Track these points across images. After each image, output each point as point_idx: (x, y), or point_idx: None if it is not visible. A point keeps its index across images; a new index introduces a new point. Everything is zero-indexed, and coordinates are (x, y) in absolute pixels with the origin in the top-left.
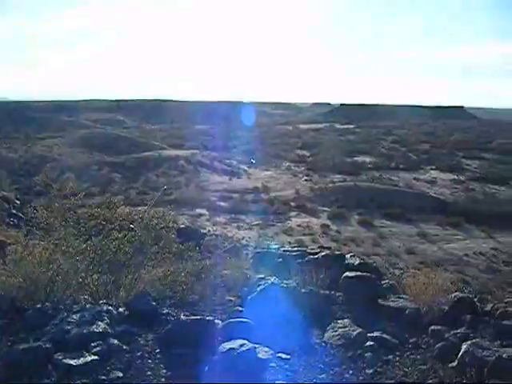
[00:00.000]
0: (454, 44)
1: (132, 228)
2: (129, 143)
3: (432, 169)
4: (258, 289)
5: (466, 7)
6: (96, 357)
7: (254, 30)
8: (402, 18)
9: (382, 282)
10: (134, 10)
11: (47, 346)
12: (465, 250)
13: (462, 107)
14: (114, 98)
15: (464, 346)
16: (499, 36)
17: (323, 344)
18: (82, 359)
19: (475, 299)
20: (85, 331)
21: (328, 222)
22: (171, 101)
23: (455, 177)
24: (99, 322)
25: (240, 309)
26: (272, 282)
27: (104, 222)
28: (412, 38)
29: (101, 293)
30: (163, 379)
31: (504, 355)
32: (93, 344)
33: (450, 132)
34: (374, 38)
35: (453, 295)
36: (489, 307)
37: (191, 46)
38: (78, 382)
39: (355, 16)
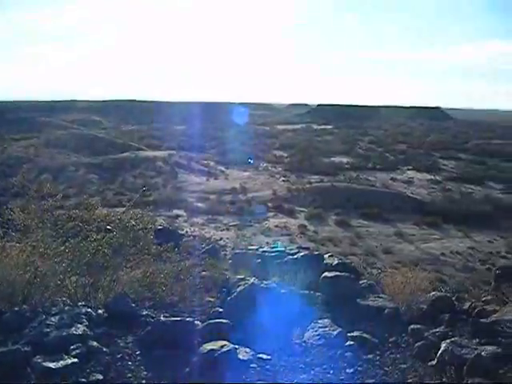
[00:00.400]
0: (431, 45)
1: (110, 229)
2: (106, 144)
3: (409, 169)
4: (238, 289)
5: (445, 9)
6: (76, 359)
7: (232, 32)
8: (381, 19)
9: (361, 282)
10: (115, 12)
11: (26, 349)
12: (442, 249)
13: (438, 108)
14: (92, 99)
15: (443, 345)
16: (474, 38)
17: (303, 344)
18: (61, 362)
19: (453, 298)
20: (64, 334)
21: (305, 223)
22: (148, 101)
23: (432, 177)
24: (78, 325)
25: (220, 310)
26: (251, 283)
27: (82, 224)
28: (391, 38)
29: (79, 295)
30: (144, 381)
31: (482, 353)
32: (72, 347)
33: (426, 132)
34: (353, 38)
35: (431, 294)
36: (466, 306)
37: (170, 48)
38: None
39: (332, 16)
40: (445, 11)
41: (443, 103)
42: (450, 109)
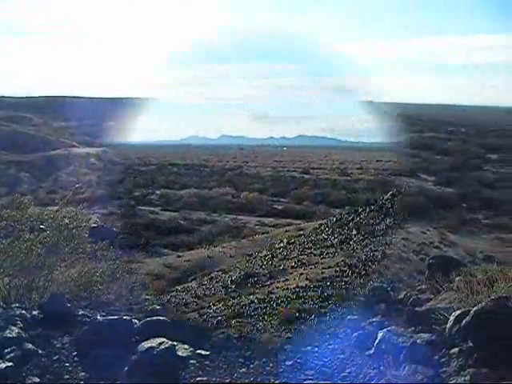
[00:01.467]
0: (360, 39)
1: (43, 228)
2: (37, 141)
3: None
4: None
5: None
6: (11, 363)
7: (165, 23)
8: (327, 9)
9: None
10: (42, 4)
11: None
12: None
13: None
14: (19, 95)
15: (380, 334)
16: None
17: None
18: None
19: (388, 288)
20: None
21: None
22: (79, 97)
23: None
24: (12, 327)
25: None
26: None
27: (14, 223)
28: (331, 28)
29: (13, 296)
30: (82, 382)
31: (418, 340)
32: (7, 350)
33: None
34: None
35: (368, 285)
36: (402, 295)
37: (100, 43)
38: None
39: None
40: (388, 6)
41: (375, 97)
42: (383, 102)
